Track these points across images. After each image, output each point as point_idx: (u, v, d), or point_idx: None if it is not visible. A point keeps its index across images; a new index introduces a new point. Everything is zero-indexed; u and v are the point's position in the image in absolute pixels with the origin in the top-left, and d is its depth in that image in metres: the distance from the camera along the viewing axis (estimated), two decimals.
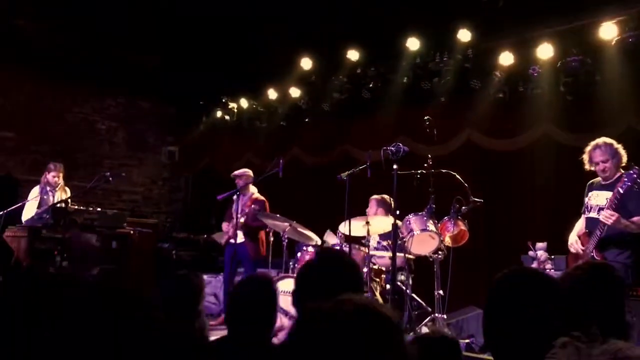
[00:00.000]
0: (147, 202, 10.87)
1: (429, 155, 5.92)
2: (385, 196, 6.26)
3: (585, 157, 4.80)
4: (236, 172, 7.37)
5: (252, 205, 7.05)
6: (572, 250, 4.83)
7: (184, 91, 10.06)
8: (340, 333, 1.20)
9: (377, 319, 1.24)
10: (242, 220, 6.99)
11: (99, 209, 7.94)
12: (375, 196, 6.41)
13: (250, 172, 7.33)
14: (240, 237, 7.06)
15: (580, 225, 4.89)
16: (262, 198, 7.21)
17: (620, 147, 4.73)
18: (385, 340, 1.23)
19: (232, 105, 9.80)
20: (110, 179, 7.30)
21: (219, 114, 10.07)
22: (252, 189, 7.22)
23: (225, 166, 9.87)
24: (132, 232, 8.24)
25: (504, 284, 1.85)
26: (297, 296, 2.43)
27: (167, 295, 2.89)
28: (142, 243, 8.43)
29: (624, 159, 4.70)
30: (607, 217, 4.37)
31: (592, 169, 4.79)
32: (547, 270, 5.75)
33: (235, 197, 7.15)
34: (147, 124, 10.92)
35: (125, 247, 7.85)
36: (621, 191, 4.36)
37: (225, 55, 8.65)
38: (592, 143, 4.79)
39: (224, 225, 7.33)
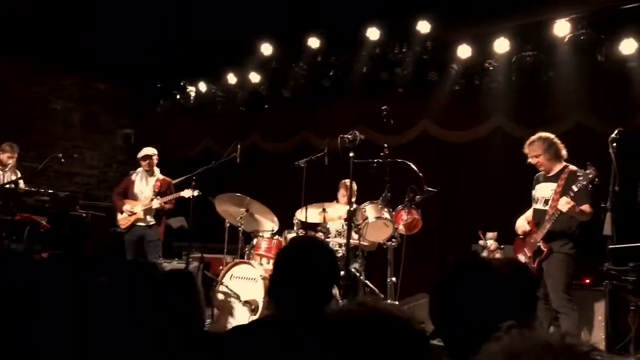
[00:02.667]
0: (101, 185, 10.65)
1: (386, 145, 5.99)
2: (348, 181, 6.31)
3: (526, 151, 4.98)
4: (149, 152, 7.18)
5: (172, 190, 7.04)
6: (520, 231, 4.99)
7: (142, 73, 9.87)
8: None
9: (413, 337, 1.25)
10: (163, 201, 6.94)
11: (50, 191, 7.75)
12: (346, 180, 6.44)
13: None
14: (151, 220, 7.00)
15: (529, 213, 5.05)
16: (169, 179, 7.18)
17: (554, 140, 4.88)
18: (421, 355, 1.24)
19: (191, 88, 9.67)
20: (62, 160, 7.14)
21: (177, 97, 9.93)
22: (156, 169, 7.18)
23: (183, 150, 9.77)
24: (84, 215, 8.10)
25: (449, 272, 1.91)
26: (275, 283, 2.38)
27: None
28: (95, 226, 8.30)
29: (563, 151, 4.87)
30: (564, 204, 4.50)
31: (531, 162, 4.97)
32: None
33: (137, 177, 7.10)
34: (103, 105, 10.68)
35: (78, 230, 7.71)
36: (575, 189, 4.51)
37: (185, 38, 8.52)
38: (530, 139, 4.96)
39: (128, 207, 7.01)
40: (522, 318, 2.23)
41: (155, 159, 7.17)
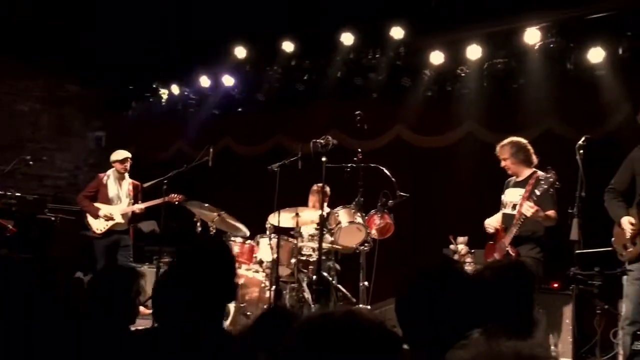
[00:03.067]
0: (70, 189, 10.46)
1: (359, 150, 6.01)
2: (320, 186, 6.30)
3: (497, 154, 5.08)
4: (127, 154, 7.12)
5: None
6: (491, 230, 5.05)
7: (113, 75, 9.74)
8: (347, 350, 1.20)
9: (386, 339, 1.26)
10: (142, 206, 6.88)
11: (17, 194, 7.60)
12: (317, 186, 6.43)
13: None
14: (124, 225, 6.94)
15: (498, 216, 5.12)
16: (139, 182, 7.13)
17: (524, 145, 4.97)
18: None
19: (163, 91, 9.57)
20: (31, 162, 7.01)
21: (149, 99, 9.81)
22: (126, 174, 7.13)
23: (155, 153, 9.66)
24: (53, 218, 7.95)
25: (415, 277, 1.92)
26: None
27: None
28: (64, 230, 8.15)
29: (531, 156, 4.96)
30: (528, 208, 4.59)
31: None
32: (467, 264, 5.99)
33: (110, 181, 7.02)
34: (73, 107, 10.50)
35: (46, 234, 7.56)
36: (538, 193, 4.60)
37: (157, 39, 8.44)
38: (501, 142, 5.06)
39: (106, 212, 6.90)
40: (514, 319, 2.22)
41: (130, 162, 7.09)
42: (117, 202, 6.98)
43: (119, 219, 6.90)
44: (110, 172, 7.14)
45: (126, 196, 6.98)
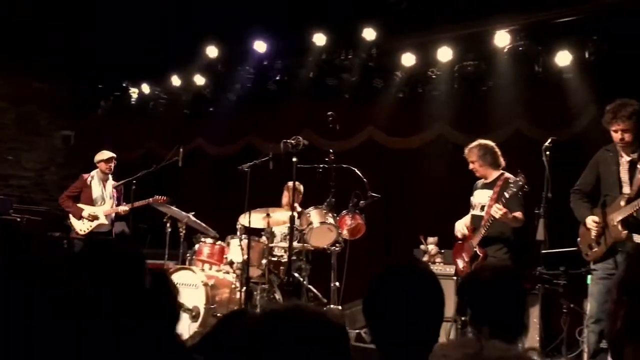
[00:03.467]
0: (37, 189, 10.25)
1: (331, 150, 6.01)
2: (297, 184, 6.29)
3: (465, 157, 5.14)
4: (112, 154, 7.06)
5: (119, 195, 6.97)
6: (459, 234, 5.11)
7: (82, 73, 9.57)
8: (292, 341, 1.22)
9: (329, 328, 1.27)
10: (127, 208, 6.80)
11: None
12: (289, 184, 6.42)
13: None
14: (108, 226, 6.87)
15: (467, 219, 5.18)
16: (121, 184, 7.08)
17: (490, 148, 5.04)
18: (335, 348, 1.26)
19: (133, 90, 9.45)
20: None
21: (119, 98, 9.67)
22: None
23: (124, 153, 9.51)
24: (19, 219, 7.80)
25: (380, 277, 1.93)
26: None
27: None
28: (30, 231, 7.98)
29: (499, 158, 5.03)
30: (496, 210, 4.66)
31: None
32: (437, 263, 6.04)
33: (94, 182, 6.93)
34: (40, 105, 10.28)
35: (11, 236, 7.39)
36: (507, 195, 4.66)
37: (128, 37, 8.33)
38: (469, 145, 5.12)
39: (90, 212, 6.81)
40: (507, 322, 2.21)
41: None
42: (101, 203, 6.89)
43: (103, 220, 6.80)
44: (94, 172, 7.04)
45: (110, 197, 6.89)
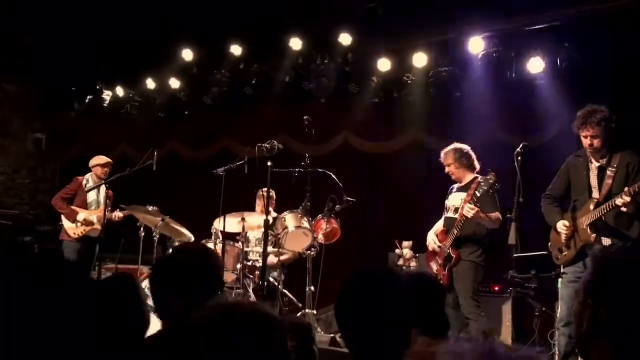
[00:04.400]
0: (8, 193, 10.06)
1: (307, 155, 6.01)
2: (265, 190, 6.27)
3: (441, 160, 5.20)
4: (110, 160, 7.03)
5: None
6: (430, 248, 5.17)
7: (54, 75, 9.43)
8: (228, 337, 1.25)
9: (266, 322, 1.30)
10: (121, 214, 6.72)
11: None
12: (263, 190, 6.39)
13: None
14: (97, 231, 6.75)
15: (439, 225, 5.23)
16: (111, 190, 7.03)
17: (465, 151, 5.11)
18: (271, 341, 1.29)
19: (107, 92, 9.33)
20: None
21: (92, 101, 9.53)
22: None
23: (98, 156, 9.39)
24: None
25: (350, 282, 1.93)
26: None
27: None
28: (0, 235, 7.85)
29: (473, 162, 5.10)
30: (469, 210, 4.72)
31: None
32: (411, 267, 6.07)
33: (89, 185, 6.84)
34: (11, 108, 10.09)
35: None
36: (478, 194, 4.73)
37: (102, 39, 8.23)
38: (445, 148, 5.18)
39: (85, 216, 6.72)
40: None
41: None
42: (95, 207, 6.78)
43: (97, 224, 6.71)
44: (88, 176, 6.96)
45: (104, 202, 6.78)
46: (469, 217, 4.74)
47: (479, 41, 6.63)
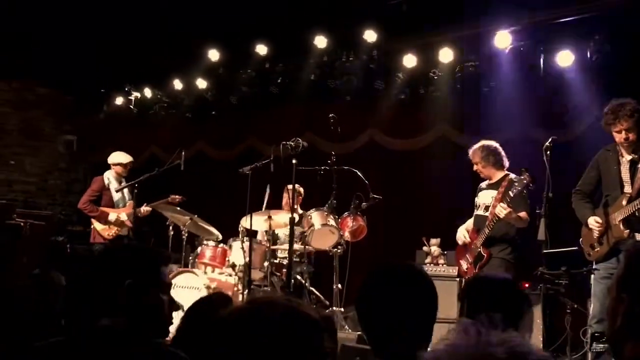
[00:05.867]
0: (41, 194, 10.28)
1: (332, 152, 6.01)
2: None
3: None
4: (132, 159, 7.09)
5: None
6: (460, 242, 5.10)
7: (84, 78, 9.59)
8: (262, 334, 1.21)
9: (301, 320, 1.27)
10: (148, 209, 6.79)
11: None
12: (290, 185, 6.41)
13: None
14: (127, 229, 6.84)
15: (470, 222, 5.16)
16: None
17: (494, 148, 5.02)
18: (309, 340, 1.26)
19: (136, 94, 9.46)
20: None
21: (121, 102, 9.68)
22: None
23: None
24: (22, 224, 7.80)
25: (371, 279, 1.92)
26: None
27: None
28: (33, 236, 8.00)
29: (502, 159, 5.01)
30: (501, 210, 4.64)
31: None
32: (440, 265, 6.02)
33: (114, 184, 6.90)
34: (43, 111, 10.32)
35: (15, 240, 7.41)
36: (511, 194, 4.64)
37: (129, 42, 8.34)
38: (473, 146, 5.10)
39: (116, 216, 6.78)
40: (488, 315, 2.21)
41: None
42: (121, 205, 6.83)
43: (127, 223, 6.74)
44: (108, 174, 6.96)
45: (129, 198, 6.82)
46: (501, 217, 4.66)
47: (506, 35, 6.54)
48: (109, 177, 6.95)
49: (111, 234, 6.79)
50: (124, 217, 6.78)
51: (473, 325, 1.02)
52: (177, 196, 6.66)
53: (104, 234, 6.80)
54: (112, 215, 6.78)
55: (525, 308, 2.32)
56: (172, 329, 2.03)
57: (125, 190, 6.91)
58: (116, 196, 6.87)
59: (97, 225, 6.84)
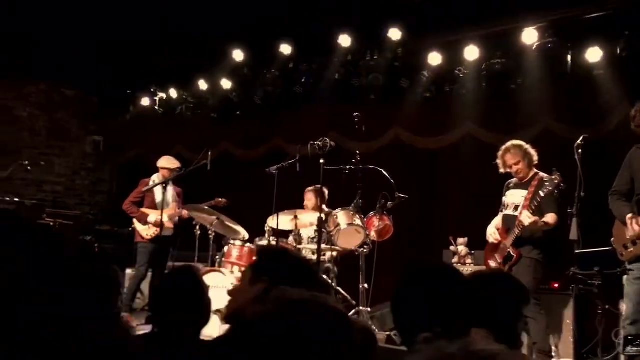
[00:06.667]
0: (69, 194, 10.45)
1: (357, 152, 6.00)
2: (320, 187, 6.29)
3: (499, 161, 5.04)
4: (180, 166, 7.10)
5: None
6: (491, 240, 5.05)
7: (110, 79, 9.72)
8: (293, 332, 1.22)
9: (329, 313, 1.27)
10: (185, 212, 6.86)
11: (16, 199, 7.58)
12: (311, 187, 6.41)
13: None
14: (170, 230, 6.91)
15: (498, 220, 5.11)
16: (180, 188, 7.15)
17: (529, 148, 4.98)
18: (338, 333, 1.25)
19: (161, 95, 9.56)
20: (29, 167, 7.00)
21: (147, 103, 9.79)
22: None
23: (154, 157, 9.62)
24: (52, 223, 7.94)
25: (407, 278, 1.91)
26: None
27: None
28: (62, 235, 8.13)
29: (535, 157, 4.96)
30: (527, 218, 4.61)
31: (507, 171, 5.03)
32: (467, 264, 5.97)
33: (158, 187, 6.97)
34: (70, 112, 10.49)
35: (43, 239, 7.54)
36: (542, 194, 4.59)
37: (155, 43, 8.42)
38: (503, 148, 5.03)
39: (155, 217, 6.85)
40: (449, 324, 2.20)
41: None
42: (165, 207, 6.94)
43: (168, 224, 6.85)
44: (154, 177, 7.08)
45: (173, 200, 6.94)
46: (526, 225, 4.61)
47: (532, 32, 6.46)
48: (154, 180, 7.08)
49: (150, 234, 6.88)
50: (165, 218, 6.85)
51: None
52: (222, 199, 6.73)
53: (143, 234, 6.93)
54: (152, 217, 6.87)
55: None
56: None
57: (169, 193, 6.99)
58: (158, 198, 6.95)
59: (137, 225, 6.99)
